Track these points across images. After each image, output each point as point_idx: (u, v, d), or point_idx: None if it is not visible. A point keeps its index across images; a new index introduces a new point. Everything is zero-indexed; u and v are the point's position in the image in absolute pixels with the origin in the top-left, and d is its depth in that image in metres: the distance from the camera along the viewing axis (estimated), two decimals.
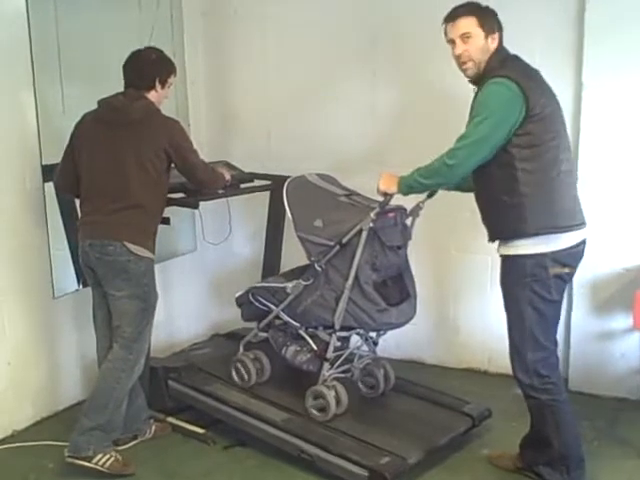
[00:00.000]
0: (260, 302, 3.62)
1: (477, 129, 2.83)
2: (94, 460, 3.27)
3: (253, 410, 3.53)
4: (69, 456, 3.29)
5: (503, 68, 2.87)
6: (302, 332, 3.52)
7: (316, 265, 3.37)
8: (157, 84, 3.34)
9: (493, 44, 2.93)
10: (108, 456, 3.30)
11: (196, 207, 3.67)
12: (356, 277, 3.31)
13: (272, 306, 3.58)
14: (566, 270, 2.94)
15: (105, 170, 3.28)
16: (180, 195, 3.61)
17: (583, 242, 2.99)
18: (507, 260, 2.99)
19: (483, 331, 4.24)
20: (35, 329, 3.82)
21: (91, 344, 3.57)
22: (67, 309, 3.94)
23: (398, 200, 3.26)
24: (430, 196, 3.35)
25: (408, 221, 3.46)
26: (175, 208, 3.60)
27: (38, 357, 3.85)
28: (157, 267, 3.49)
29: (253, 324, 4.24)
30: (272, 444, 3.41)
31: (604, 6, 3.67)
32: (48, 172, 3.66)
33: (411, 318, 3.48)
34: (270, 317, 3.61)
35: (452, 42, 2.97)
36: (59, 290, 3.90)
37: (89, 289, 3.52)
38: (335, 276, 3.36)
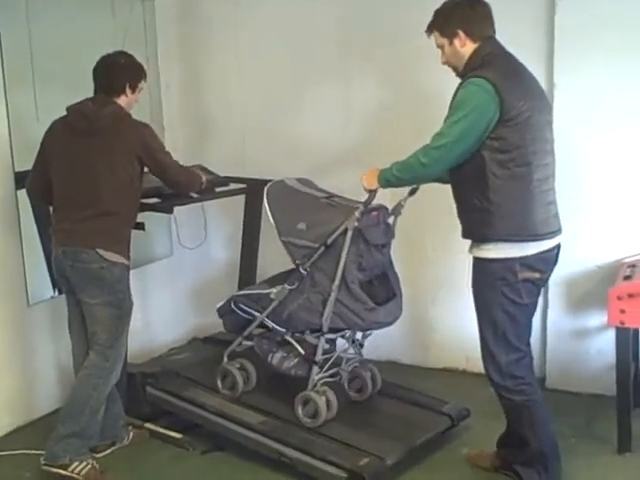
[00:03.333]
0: (243, 310, 3.57)
1: (451, 130, 2.82)
2: (70, 468, 3.24)
3: (231, 414, 3.52)
4: (45, 464, 3.27)
5: (483, 67, 2.84)
6: (288, 337, 3.48)
7: (301, 268, 3.34)
8: (127, 89, 3.32)
9: (463, 46, 2.91)
10: (85, 464, 3.27)
11: (170, 212, 3.66)
12: (343, 278, 3.29)
13: (256, 313, 3.53)
14: (537, 275, 2.91)
15: (77, 178, 3.26)
16: (154, 200, 3.59)
17: (556, 247, 2.98)
18: (477, 262, 2.99)
19: (460, 330, 4.22)
20: (10, 337, 3.78)
21: (67, 351, 3.55)
22: (42, 316, 3.92)
23: (380, 199, 3.28)
24: (412, 194, 3.37)
25: (390, 220, 3.46)
26: (150, 213, 3.58)
27: (13, 365, 3.82)
28: (133, 273, 3.47)
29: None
30: (251, 448, 3.40)
31: (573, 9, 3.73)
32: (21, 179, 3.64)
33: (398, 317, 3.48)
34: (254, 324, 3.56)
35: None
36: (34, 297, 3.87)
37: (64, 296, 3.48)
38: (321, 278, 3.33)
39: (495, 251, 2.89)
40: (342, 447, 3.25)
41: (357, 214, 3.23)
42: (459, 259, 4.01)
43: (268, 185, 3.50)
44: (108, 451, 3.55)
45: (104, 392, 3.33)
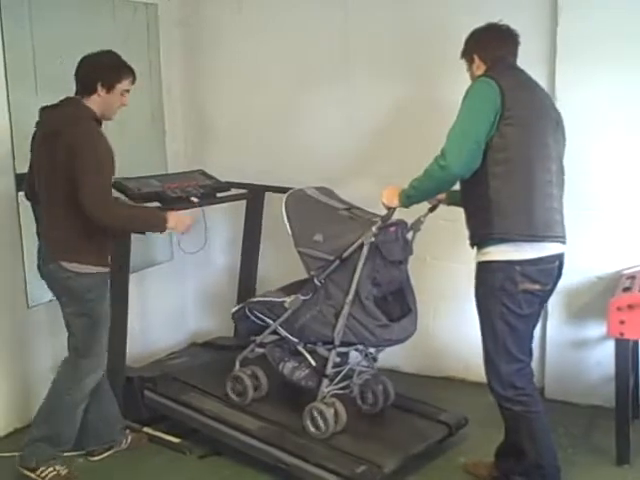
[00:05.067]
0: (257, 317, 3.55)
1: (458, 125, 2.86)
2: (37, 472, 3.25)
3: (229, 419, 3.52)
4: (19, 465, 3.29)
5: (489, 71, 2.96)
6: (300, 348, 3.46)
7: (315, 280, 3.31)
8: (99, 88, 3.11)
9: (478, 68, 3.03)
10: (51, 469, 3.26)
11: None
12: (356, 292, 3.25)
13: (269, 321, 3.50)
14: (537, 287, 2.91)
15: (40, 185, 3.19)
16: (155, 204, 3.59)
17: (557, 258, 2.96)
18: (479, 270, 2.99)
19: (459, 339, 4.25)
20: (9, 339, 3.78)
21: (65, 353, 3.53)
22: (42, 318, 3.91)
23: (399, 214, 3.25)
24: (432, 210, 3.37)
25: (409, 235, 3.42)
26: None
27: (12, 367, 3.82)
28: (133, 277, 3.47)
29: (231, 332, 4.26)
30: (248, 453, 3.40)
31: (576, 21, 3.75)
32: (22, 181, 3.62)
33: (412, 334, 3.43)
34: (267, 332, 3.54)
35: None
36: (34, 299, 3.87)
37: None
38: (335, 291, 3.30)
39: (495, 254, 2.90)
40: (340, 454, 3.25)
41: (374, 229, 3.19)
42: (457, 268, 4.06)
43: (287, 194, 3.44)
44: (105, 455, 3.54)
45: (77, 396, 3.30)
